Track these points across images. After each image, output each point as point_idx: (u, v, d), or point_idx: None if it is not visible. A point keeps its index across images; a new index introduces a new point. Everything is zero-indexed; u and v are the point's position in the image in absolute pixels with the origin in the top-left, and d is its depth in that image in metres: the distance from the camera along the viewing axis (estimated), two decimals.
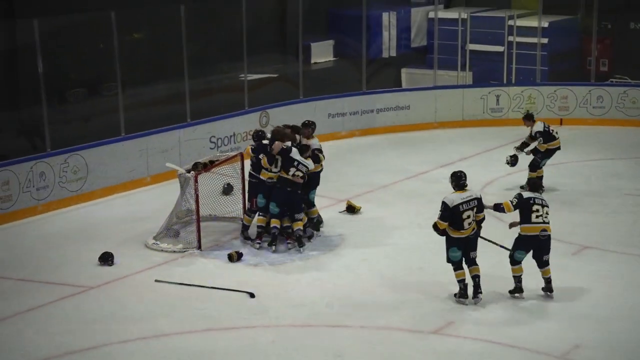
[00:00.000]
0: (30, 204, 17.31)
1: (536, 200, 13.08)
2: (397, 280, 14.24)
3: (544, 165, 17.81)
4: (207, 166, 15.77)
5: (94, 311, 13.26)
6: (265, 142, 15.43)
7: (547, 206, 13.17)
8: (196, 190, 15.30)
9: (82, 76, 20.49)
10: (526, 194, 13.18)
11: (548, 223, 13.07)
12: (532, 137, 17.91)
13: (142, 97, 20.79)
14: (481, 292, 13.16)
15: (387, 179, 19.26)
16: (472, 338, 12.23)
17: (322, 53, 25.92)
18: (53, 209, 17.60)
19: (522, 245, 13.19)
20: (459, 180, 13.08)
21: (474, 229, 13.12)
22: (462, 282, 13.14)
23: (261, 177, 15.38)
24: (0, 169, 16.88)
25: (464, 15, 25.13)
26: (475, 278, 13.16)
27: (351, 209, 17.26)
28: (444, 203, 13.00)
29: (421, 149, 21.75)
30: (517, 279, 13.29)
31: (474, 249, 13.19)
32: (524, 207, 13.06)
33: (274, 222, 15.34)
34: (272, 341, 12.29)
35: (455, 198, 12.97)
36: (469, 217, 12.97)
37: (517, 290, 13.32)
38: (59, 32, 19.47)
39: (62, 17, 19.59)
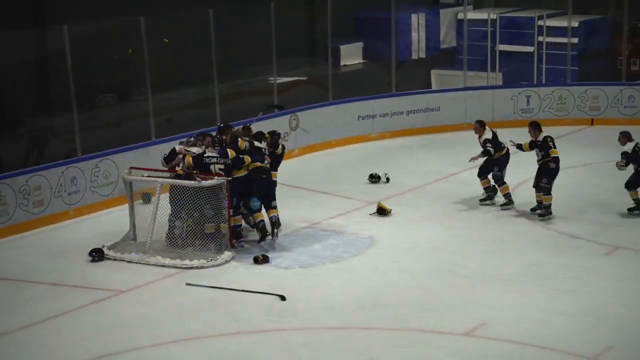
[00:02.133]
0: (62, 209, 17.42)
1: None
2: (428, 282, 14.20)
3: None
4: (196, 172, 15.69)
5: (125, 315, 13.32)
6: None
7: None
8: (227, 192, 15.25)
9: (112, 81, 20.61)
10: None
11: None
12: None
13: (172, 102, 20.88)
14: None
15: (417, 180, 19.21)
16: (503, 340, 12.18)
17: (352, 55, 25.97)
18: (85, 213, 17.72)
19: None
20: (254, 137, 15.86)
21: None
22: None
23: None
24: (32, 174, 17.01)
25: (493, 16, 25.08)
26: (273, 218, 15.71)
27: (382, 211, 17.24)
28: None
29: (452, 151, 21.67)
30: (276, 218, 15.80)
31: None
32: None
33: (259, 217, 15.50)
34: (304, 344, 12.29)
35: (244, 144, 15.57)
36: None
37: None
38: (89, 38, 19.58)
39: (91, 23, 19.73)
